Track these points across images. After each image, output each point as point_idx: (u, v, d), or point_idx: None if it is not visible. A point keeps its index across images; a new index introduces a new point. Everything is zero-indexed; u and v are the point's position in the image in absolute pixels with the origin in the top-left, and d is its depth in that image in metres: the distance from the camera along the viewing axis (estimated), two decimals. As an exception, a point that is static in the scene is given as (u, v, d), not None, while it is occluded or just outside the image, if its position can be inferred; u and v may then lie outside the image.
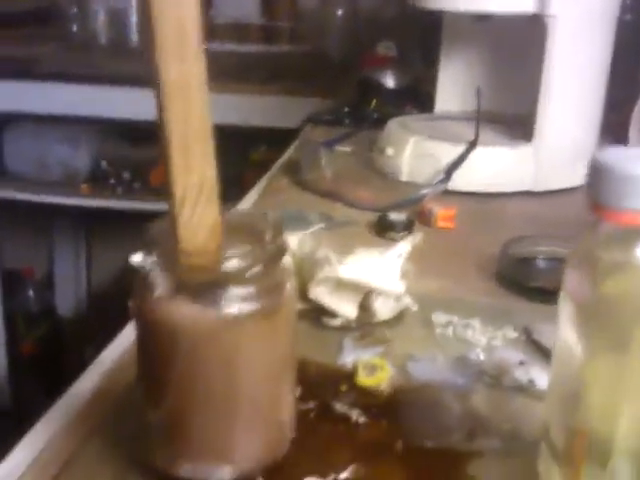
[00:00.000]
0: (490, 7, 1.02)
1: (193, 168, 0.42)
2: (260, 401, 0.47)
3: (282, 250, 0.46)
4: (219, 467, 0.46)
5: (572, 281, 0.44)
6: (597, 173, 0.41)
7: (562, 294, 0.45)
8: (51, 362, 2.30)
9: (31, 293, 2.34)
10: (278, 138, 1.63)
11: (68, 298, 2.53)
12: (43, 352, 2.32)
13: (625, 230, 0.41)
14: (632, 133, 1.12)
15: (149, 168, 2.00)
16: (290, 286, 0.47)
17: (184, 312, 0.43)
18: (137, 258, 0.44)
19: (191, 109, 0.42)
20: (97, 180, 2.06)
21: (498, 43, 1.18)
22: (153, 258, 0.44)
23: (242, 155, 2.07)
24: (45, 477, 0.48)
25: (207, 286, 0.43)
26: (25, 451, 0.51)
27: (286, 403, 0.49)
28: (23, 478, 0.49)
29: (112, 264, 2.56)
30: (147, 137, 2.07)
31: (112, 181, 2.04)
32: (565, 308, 0.45)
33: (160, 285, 0.43)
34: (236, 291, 0.43)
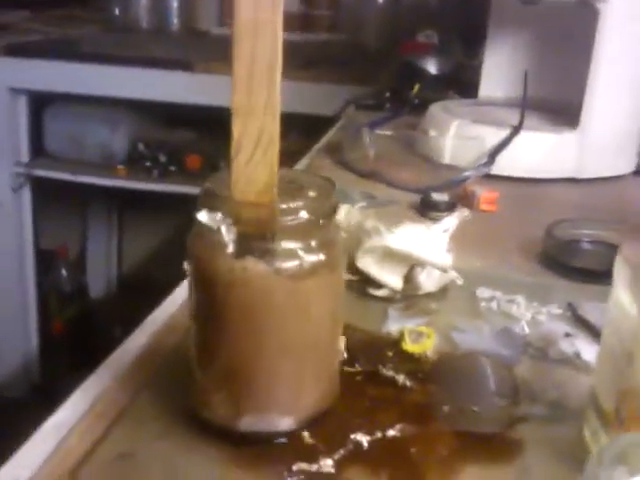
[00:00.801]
0: (540, -10, 1.01)
1: (255, 112, 0.43)
2: (323, 350, 0.48)
3: (336, 206, 0.47)
4: (282, 418, 0.47)
5: (629, 246, 0.45)
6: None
7: (619, 260, 0.45)
8: (80, 342, 2.32)
9: (64, 272, 2.36)
10: (313, 125, 1.63)
11: (99, 279, 2.56)
12: (73, 332, 2.34)
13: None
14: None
15: (185, 152, 2.01)
16: (341, 243, 0.48)
17: (258, 268, 0.44)
18: (203, 216, 0.45)
19: (259, 52, 0.42)
20: (133, 162, 2.08)
21: (546, 28, 1.17)
22: (219, 215, 0.44)
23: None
24: (99, 427, 0.49)
25: (271, 241, 0.44)
26: (79, 402, 0.52)
27: (338, 355, 0.50)
28: (78, 426, 0.49)
29: (143, 246, 2.58)
30: (184, 121, 2.09)
31: (148, 164, 2.05)
32: (621, 272, 0.45)
33: (230, 242, 0.44)
34: (299, 245, 0.44)
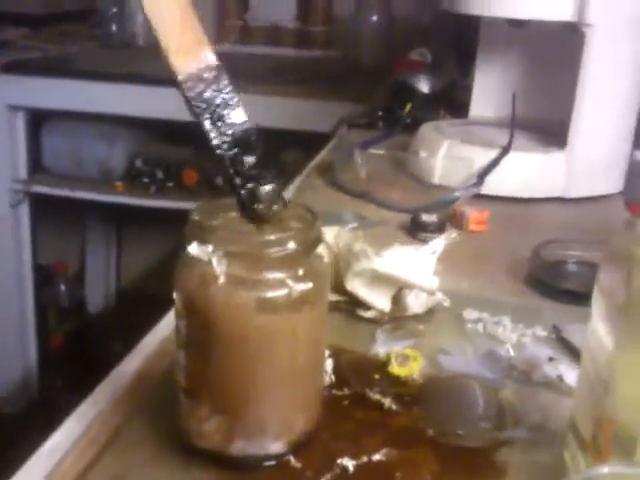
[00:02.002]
0: (527, 14, 1.03)
1: None
2: (311, 375, 0.50)
3: (320, 236, 0.49)
4: (272, 442, 0.49)
5: (606, 277, 0.46)
6: (635, 173, 0.43)
7: (596, 289, 0.47)
8: (78, 357, 2.33)
9: (63, 288, 2.38)
10: (307, 141, 1.65)
11: (98, 294, 2.57)
12: (71, 347, 2.35)
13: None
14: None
15: (182, 168, 2.03)
16: (327, 270, 0.50)
17: (248, 299, 0.46)
18: (193, 249, 0.46)
19: None
20: (131, 178, 2.10)
21: (534, 49, 1.19)
22: (210, 248, 0.46)
23: (273, 157, 2.09)
24: (92, 451, 0.51)
25: (261, 272, 0.46)
26: (73, 426, 0.54)
27: (323, 379, 0.53)
28: (72, 450, 0.51)
29: (141, 261, 2.60)
30: (181, 137, 2.11)
31: (146, 180, 2.07)
32: (598, 303, 0.46)
33: (221, 274, 0.45)
34: (288, 274, 0.46)
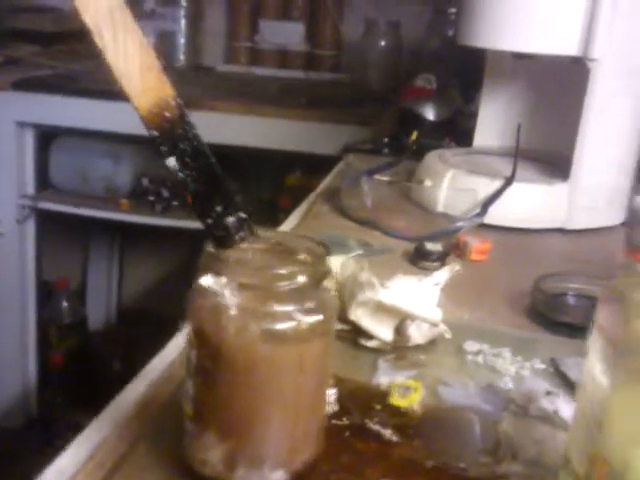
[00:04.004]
0: (533, 48, 1.05)
1: None
2: (315, 405, 0.51)
3: (329, 270, 0.50)
4: (274, 471, 0.49)
5: (603, 317, 0.47)
6: (634, 217, 0.44)
7: (593, 328, 0.48)
8: (78, 374, 2.34)
9: (64, 304, 2.38)
10: (313, 164, 1.67)
11: (99, 311, 2.58)
12: (71, 364, 2.36)
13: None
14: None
15: (188, 187, 2.04)
16: (333, 302, 0.52)
17: (259, 330, 0.47)
18: (207, 280, 0.48)
19: None
20: (137, 196, 2.12)
21: (539, 82, 1.21)
22: (224, 280, 0.47)
23: (277, 179, 2.11)
24: (98, 475, 0.52)
25: (271, 305, 0.47)
26: (79, 450, 0.55)
27: (326, 408, 0.55)
28: (78, 474, 0.52)
29: (143, 279, 2.61)
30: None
31: (151, 198, 2.09)
32: (595, 341, 0.47)
33: (233, 306, 0.47)
34: (297, 307, 0.48)
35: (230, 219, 0.50)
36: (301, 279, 0.48)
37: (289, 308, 0.48)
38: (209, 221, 0.49)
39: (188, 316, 0.50)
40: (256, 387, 0.48)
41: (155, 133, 0.48)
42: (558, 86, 1.18)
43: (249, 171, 2.11)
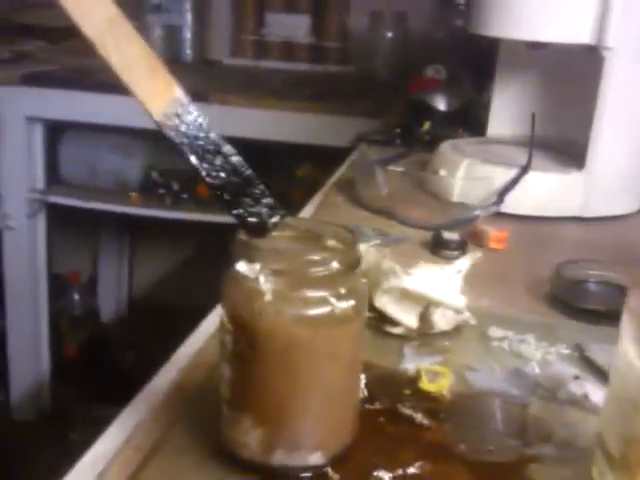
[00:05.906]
0: (547, 36, 1.05)
1: (92, 6, 0.46)
2: (349, 389, 0.52)
3: (360, 256, 0.51)
4: (311, 454, 0.50)
5: (635, 301, 0.48)
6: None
7: (625, 312, 0.49)
8: (91, 366, 2.35)
9: (76, 297, 2.40)
10: (323, 156, 1.67)
11: (110, 303, 2.60)
12: (84, 356, 2.37)
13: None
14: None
15: (197, 180, 2.04)
16: (365, 288, 0.53)
17: (293, 315, 0.48)
18: (242, 266, 0.49)
19: None
20: (147, 189, 2.12)
21: (553, 70, 1.22)
22: (258, 266, 0.48)
23: (288, 172, 2.12)
24: (136, 458, 0.53)
25: (305, 289, 0.48)
26: (116, 434, 0.56)
27: (359, 393, 0.56)
28: (117, 458, 0.53)
29: (154, 271, 2.62)
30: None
31: (161, 191, 2.10)
32: (627, 325, 0.48)
33: (267, 292, 0.48)
34: (331, 292, 0.48)
35: (262, 208, 0.50)
36: (334, 265, 0.49)
37: (322, 294, 0.48)
38: (240, 211, 0.50)
39: (222, 302, 0.50)
40: (290, 372, 0.49)
41: (172, 134, 0.48)
42: (571, 74, 1.18)
43: (259, 164, 2.11)
